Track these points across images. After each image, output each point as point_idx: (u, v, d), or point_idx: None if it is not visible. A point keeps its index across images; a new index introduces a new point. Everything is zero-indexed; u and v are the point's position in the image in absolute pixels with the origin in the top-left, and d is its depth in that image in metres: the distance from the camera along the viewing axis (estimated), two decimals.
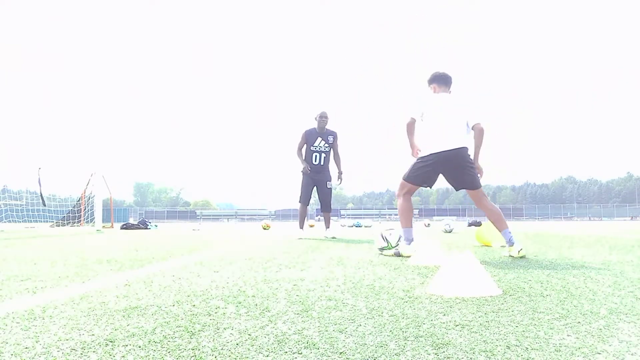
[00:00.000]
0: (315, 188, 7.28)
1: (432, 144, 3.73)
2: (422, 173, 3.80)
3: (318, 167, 7.16)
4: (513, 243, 3.59)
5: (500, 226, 3.69)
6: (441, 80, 3.92)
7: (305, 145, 7.22)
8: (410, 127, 3.88)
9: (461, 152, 3.67)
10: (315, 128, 7.21)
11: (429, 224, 20.32)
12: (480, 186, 3.73)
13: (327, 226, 7.32)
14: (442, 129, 3.71)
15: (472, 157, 3.80)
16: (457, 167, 3.68)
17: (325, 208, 7.28)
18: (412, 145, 3.92)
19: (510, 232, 3.66)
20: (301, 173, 7.27)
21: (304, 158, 7.21)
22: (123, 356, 1.13)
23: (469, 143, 3.80)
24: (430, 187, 3.85)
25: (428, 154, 3.74)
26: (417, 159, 3.84)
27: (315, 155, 7.15)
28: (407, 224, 3.87)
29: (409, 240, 3.76)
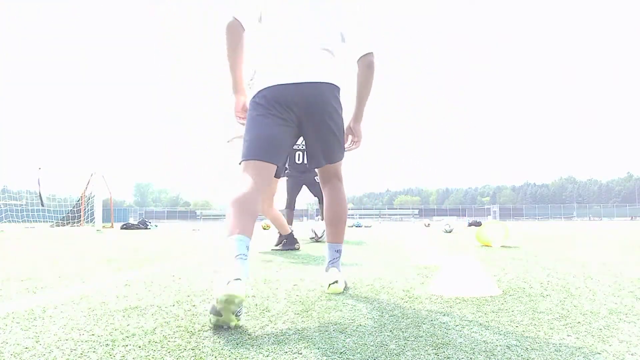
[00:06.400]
0: (304, 188, 6.77)
1: (272, 70, 1.97)
2: (261, 133, 1.91)
3: (302, 166, 6.62)
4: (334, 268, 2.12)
5: (335, 233, 2.16)
6: None
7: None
8: (234, 37, 1.98)
9: (323, 90, 1.97)
10: None
11: (429, 224, 20.32)
12: (342, 157, 2.14)
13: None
14: (293, 42, 1.99)
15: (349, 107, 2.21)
16: (315, 118, 1.97)
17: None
18: (236, 84, 2.06)
19: (340, 252, 2.16)
20: (285, 176, 6.97)
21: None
22: (123, 356, 1.13)
23: (339, 77, 2.07)
24: (281, 166, 2.04)
25: (263, 88, 1.96)
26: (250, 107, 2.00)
27: (299, 154, 6.63)
28: (239, 229, 1.67)
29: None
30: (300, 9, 2.03)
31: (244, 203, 1.77)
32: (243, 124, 2.04)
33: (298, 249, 4.62)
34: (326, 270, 2.13)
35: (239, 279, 1.42)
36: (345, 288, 2.11)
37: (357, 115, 2.21)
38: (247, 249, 1.61)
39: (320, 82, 1.97)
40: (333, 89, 2.01)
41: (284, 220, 4.62)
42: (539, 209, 77.85)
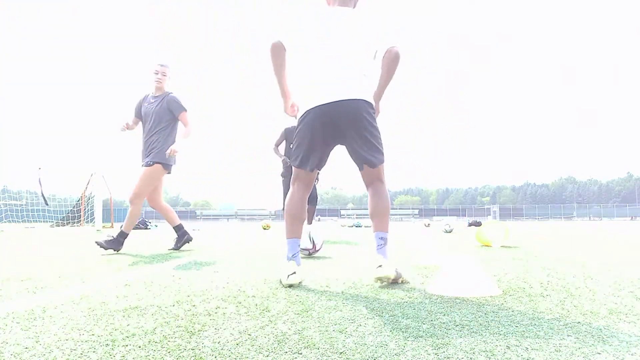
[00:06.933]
0: None
1: (313, 92, 2.37)
2: (306, 146, 2.42)
3: None
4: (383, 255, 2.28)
5: (379, 222, 2.37)
6: None
7: (284, 143, 7.00)
8: (279, 55, 2.40)
9: (358, 105, 2.31)
10: (295, 126, 6.91)
11: (429, 224, 20.33)
12: (382, 162, 2.40)
13: (310, 222, 7.06)
14: (332, 65, 2.34)
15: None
16: (353, 129, 2.32)
17: (312, 202, 6.94)
18: (283, 92, 2.51)
19: (384, 239, 2.31)
20: (281, 176, 7.03)
21: (283, 156, 6.98)
22: (123, 356, 1.13)
23: (371, 93, 2.43)
24: (323, 164, 2.49)
25: (307, 109, 2.39)
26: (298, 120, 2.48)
27: None
28: (293, 233, 2.43)
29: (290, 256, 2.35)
30: (338, 31, 2.35)
31: (295, 214, 2.44)
32: (293, 116, 2.59)
33: (190, 240, 4.84)
34: (373, 257, 2.28)
35: (294, 272, 2.21)
36: (400, 278, 2.25)
37: (378, 95, 2.49)
38: (298, 246, 2.41)
39: (356, 99, 2.31)
40: (366, 105, 2.34)
41: (173, 213, 4.85)
42: (539, 209, 77.84)
